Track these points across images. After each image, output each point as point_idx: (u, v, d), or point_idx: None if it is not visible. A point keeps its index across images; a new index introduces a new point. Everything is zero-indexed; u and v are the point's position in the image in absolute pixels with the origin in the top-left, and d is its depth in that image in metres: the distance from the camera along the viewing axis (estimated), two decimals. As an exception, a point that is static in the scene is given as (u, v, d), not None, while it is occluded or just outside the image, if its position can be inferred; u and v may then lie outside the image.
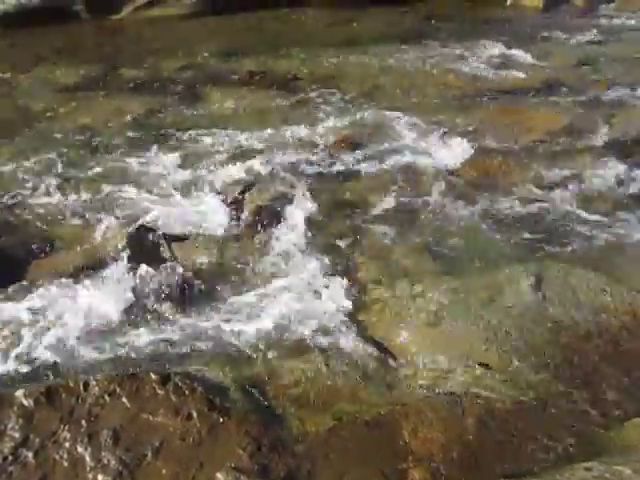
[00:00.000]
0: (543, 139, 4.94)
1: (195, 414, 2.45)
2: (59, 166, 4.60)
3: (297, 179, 4.26)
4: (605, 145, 4.84)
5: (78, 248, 3.68)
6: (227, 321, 3.06)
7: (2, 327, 3.01)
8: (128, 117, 5.56)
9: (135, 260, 3.42)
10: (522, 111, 5.51)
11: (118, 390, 2.51)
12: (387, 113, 5.45)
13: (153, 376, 2.57)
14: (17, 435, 2.37)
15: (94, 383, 2.53)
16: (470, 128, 5.16)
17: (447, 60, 6.98)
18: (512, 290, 3.14)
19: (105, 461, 2.28)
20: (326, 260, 3.47)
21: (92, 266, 3.47)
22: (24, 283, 3.34)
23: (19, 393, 2.49)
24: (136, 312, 3.12)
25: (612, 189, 4.23)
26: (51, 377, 2.72)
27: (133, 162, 4.67)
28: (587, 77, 6.39)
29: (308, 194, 4.07)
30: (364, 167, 4.56)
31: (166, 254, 3.60)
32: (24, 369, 2.78)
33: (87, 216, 3.98)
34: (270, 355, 2.84)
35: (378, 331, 3.00)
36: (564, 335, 2.89)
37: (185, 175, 4.48)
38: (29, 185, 4.33)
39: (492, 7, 9.46)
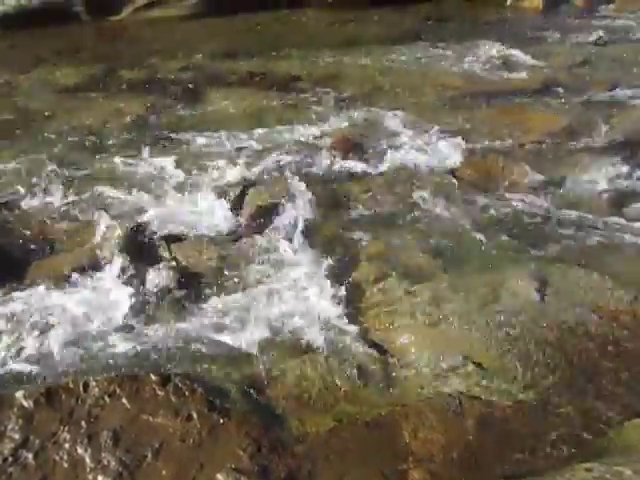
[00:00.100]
0: (542, 139, 4.93)
1: (195, 415, 2.45)
2: (59, 167, 4.59)
3: (296, 179, 4.26)
4: (605, 145, 4.84)
5: (77, 249, 3.68)
6: (226, 321, 3.06)
7: (2, 327, 3.01)
8: (128, 118, 5.56)
9: (134, 261, 3.43)
10: (521, 111, 5.50)
11: (118, 391, 2.52)
12: (387, 113, 5.45)
13: (153, 377, 2.57)
14: (17, 436, 2.37)
15: (94, 384, 2.53)
16: (469, 128, 5.15)
17: (447, 61, 6.98)
18: (512, 290, 3.14)
19: (105, 462, 2.28)
20: (325, 260, 3.47)
21: (91, 267, 3.47)
22: (24, 283, 3.35)
23: (19, 394, 2.49)
24: (135, 312, 3.13)
25: (612, 189, 4.23)
26: (51, 378, 2.72)
27: (133, 162, 4.67)
28: (587, 77, 6.38)
29: (307, 194, 4.07)
30: (364, 167, 4.56)
31: (165, 255, 3.60)
32: (24, 370, 2.77)
33: (87, 216, 3.98)
34: (270, 356, 2.84)
35: (378, 332, 3.00)
36: (564, 335, 2.88)
37: (184, 175, 4.47)
38: (29, 185, 4.32)
39: (491, 8, 9.45)
